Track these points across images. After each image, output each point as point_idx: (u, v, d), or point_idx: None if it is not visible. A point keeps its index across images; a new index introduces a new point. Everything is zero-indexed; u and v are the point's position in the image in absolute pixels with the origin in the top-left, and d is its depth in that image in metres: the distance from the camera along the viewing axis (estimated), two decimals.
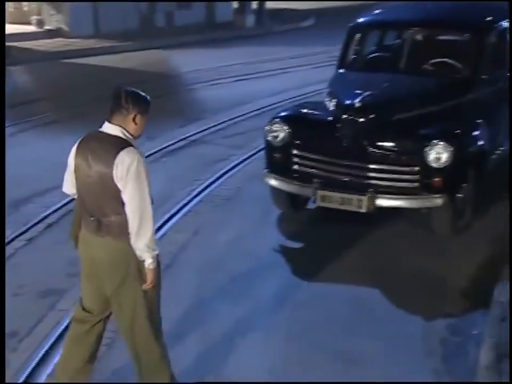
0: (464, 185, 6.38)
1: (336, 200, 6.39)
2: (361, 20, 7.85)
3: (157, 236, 6.61)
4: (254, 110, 11.06)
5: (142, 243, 3.78)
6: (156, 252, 3.84)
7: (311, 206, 7.04)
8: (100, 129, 3.85)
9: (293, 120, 6.78)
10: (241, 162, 8.71)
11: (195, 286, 5.71)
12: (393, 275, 5.89)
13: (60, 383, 4.17)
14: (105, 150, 3.76)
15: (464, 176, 6.39)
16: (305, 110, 7.04)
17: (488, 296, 5.18)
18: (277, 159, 6.73)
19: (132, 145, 3.79)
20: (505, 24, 7.67)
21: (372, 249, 6.35)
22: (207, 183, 8.04)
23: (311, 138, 6.65)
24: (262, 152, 7.28)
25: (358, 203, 6.31)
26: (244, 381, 4.45)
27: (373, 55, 7.92)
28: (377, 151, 6.34)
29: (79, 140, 3.93)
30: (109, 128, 3.81)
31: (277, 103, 11.01)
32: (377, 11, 8.13)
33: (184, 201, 7.46)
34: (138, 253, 3.81)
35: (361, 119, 6.35)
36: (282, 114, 6.91)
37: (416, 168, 6.23)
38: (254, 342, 4.90)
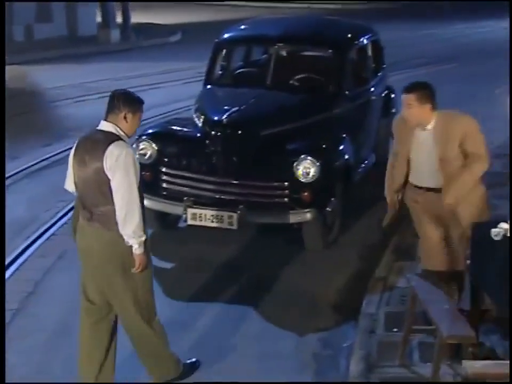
0: (332, 199, 6.59)
1: (207, 217, 6.43)
2: (226, 35, 7.97)
3: (19, 261, 6.46)
4: None
5: (129, 229, 4.11)
6: (143, 238, 4.16)
7: (182, 224, 7.04)
8: (96, 128, 4.26)
9: (161, 137, 6.78)
10: None
11: (62, 312, 5.57)
12: (266, 292, 5.99)
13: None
14: (98, 145, 4.15)
15: (332, 190, 6.61)
16: (173, 127, 7.06)
17: (358, 308, 5.38)
18: (146, 178, 6.67)
19: (122, 140, 4.16)
20: (365, 41, 8.04)
21: (244, 266, 6.43)
22: (72, 204, 7.85)
23: (180, 155, 6.67)
24: None
25: (229, 220, 6.38)
26: None
27: (240, 70, 8.07)
28: (246, 167, 6.45)
29: (78, 139, 4.33)
30: (103, 125, 4.24)
31: (145, 119, 10.88)
32: (242, 26, 8.29)
33: (48, 224, 7.29)
34: (126, 238, 4.14)
35: (230, 135, 6.45)
36: (150, 131, 6.89)
37: (285, 184, 6.39)
38: (127, 365, 4.83)
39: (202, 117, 6.86)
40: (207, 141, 6.53)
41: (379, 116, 8.37)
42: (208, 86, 7.67)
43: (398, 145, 5.04)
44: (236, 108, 6.71)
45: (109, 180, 4.11)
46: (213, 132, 6.52)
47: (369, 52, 8.19)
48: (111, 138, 4.15)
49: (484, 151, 4.79)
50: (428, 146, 4.80)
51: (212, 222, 6.43)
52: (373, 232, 7.09)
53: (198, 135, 6.70)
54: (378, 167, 8.35)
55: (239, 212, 6.34)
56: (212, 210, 6.40)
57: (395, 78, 11.86)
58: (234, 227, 6.39)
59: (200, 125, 6.83)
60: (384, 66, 8.65)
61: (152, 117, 11.02)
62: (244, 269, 6.38)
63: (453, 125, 4.76)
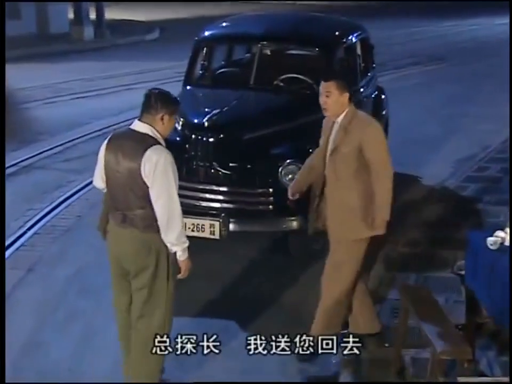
0: None
1: (187, 226, 6.36)
2: (207, 33, 7.94)
3: None
4: (95, 131, 10.91)
5: (172, 237, 4.25)
6: (186, 244, 4.31)
7: None
8: (130, 127, 4.32)
9: None
10: (82, 188, 8.56)
11: (31, 328, 5.55)
12: (249, 303, 5.98)
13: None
14: (134, 147, 4.20)
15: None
16: None
17: (346, 321, 5.36)
18: None
19: (160, 143, 4.22)
20: (354, 39, 8.04)
21: (226, 276, 6.41)
22: (43, 212, 7.85)
23: None
24: None
25: (211, 229, 6.34)
26: None
27: (222, 70, 8.05)
28: (229, 172, 6.43)
29: (109, 136, 4.38)
30: (139, 126, 4.28)
31: (120, 122, 10.91)
32: (224, 23, 8.26)
33: (17, 234, 7.26)
34: (169, 246, 4.28)
35: (211, 139, 6.43)
36: None
37: (270, 190, 6.37)
38: None
39: (182, 119, 6.83)
40: (187, 145, 6.51)
41: None
42: (188, 87, 7.64)
43: (321, 139, 5.17)
44: (217, 110, 6.68)
45: (145, 184, 4.17)
46: (193, 136, 6.50)
47: (358, 51, 8.19)
48: (149, 142, 4.19)
49: (384, 158, 4.83)
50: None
51: (193, 231, 6.37)
52: None
53: (177, 139, 6.66)
54: None
55: (221, 220, 6.31)
56: (192, 218, 6.36)
57: (385, 78, 11.93)
58: (216, 236, 6.35)
59: (179, 128, 6.80)
60: (374, 66, 8.66)
61: (126, 120, 10.96)
62: (226, 279, 6.36)
63: (356, 126, 4.85)
